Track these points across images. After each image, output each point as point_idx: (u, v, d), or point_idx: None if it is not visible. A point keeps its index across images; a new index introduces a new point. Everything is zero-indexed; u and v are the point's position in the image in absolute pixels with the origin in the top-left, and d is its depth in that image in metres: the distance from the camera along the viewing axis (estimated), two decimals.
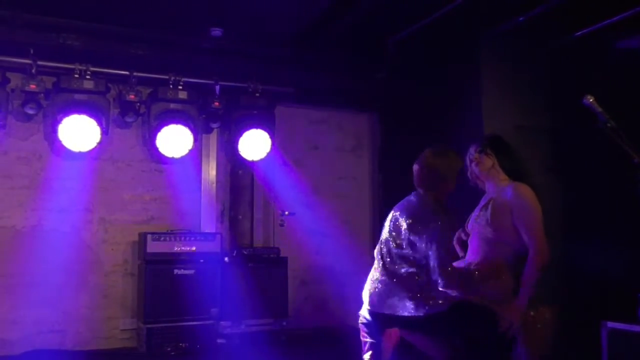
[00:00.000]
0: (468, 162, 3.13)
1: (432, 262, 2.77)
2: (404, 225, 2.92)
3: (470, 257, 3.08)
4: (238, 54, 5.03)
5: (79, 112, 4.54)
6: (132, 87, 4.79)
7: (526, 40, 4.57)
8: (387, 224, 3.07)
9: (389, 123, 5.78)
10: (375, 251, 3.10)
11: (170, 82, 4.88)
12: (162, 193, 5.17)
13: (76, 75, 4.60)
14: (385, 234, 3.05)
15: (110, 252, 4.96)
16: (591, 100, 2.73)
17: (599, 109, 2.72)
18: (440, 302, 2.78)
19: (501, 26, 4.41)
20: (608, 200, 4.29)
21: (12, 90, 4.58)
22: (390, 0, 4.26)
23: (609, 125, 2.71)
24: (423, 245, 2.82)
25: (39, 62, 4.46)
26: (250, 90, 5.11)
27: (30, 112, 4.55)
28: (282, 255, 5.18)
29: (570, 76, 4.53)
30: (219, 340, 4.76)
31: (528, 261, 2.84)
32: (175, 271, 4.71)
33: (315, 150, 5.81)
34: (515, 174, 3.03)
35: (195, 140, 4.96)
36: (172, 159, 4.95)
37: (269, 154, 5.17)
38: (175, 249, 4.75)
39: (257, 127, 5.08)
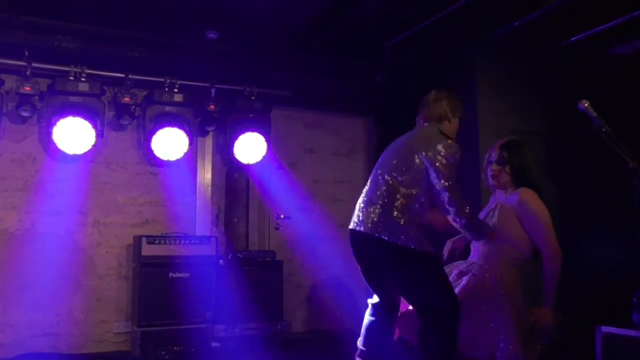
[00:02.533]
0: (486, 164, 3.19)
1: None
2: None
3: (473, 258, 3.13)
4: (234, 57, 5.04)
5: (74, 114, 4.52)
6: (128, 90, 4.78)
7: (521, 45, 4.60)
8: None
9: (385, 126, 5.79)
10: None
11: (166, 85, 4.88)
12: (157, 196, 5.15)
13: (71, 78, 4.59)
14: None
15: (105, 255, 4.93)
16: (586, 105, 2.75)
17: (594, 114, 2.74)
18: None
19: (496, 31, 4.43)
20: (603, 204, 4.30)
21: (7, 92, 4.56)
22: (385, 4, 4.27)
23: (603, 130, 2.72)
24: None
25: (34, 64, 4.45)
26: (245, 93, 5.11)
27: (25, 114, 4.53)
28: (277, 258, 5.17)
29: (565, 81, 4.56)
30: (213, 344, 4.74)
31: (544, 266, 2.94)
32: (170, 274, 4.69)
33: (310, 153, 5.81)
34: (520, 179, 3.09)
35: (191, 143, 4.95)
36: (168, 161, 4.95)
37: (264, 157, 5.17)
38: (170, 252, 4.73)
39: (252, 130, 5.08)
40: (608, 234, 4.20)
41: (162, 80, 4.87)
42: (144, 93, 5.00)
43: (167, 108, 4.94)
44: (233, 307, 4.83)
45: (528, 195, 3.00)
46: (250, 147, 5.11)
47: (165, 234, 4.89)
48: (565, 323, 3.08)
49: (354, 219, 3.14)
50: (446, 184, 2.92)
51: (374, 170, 3.20)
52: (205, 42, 4.87)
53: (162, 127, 4.81)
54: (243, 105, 5.13)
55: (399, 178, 3.01)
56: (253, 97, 5.13)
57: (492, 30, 4.43)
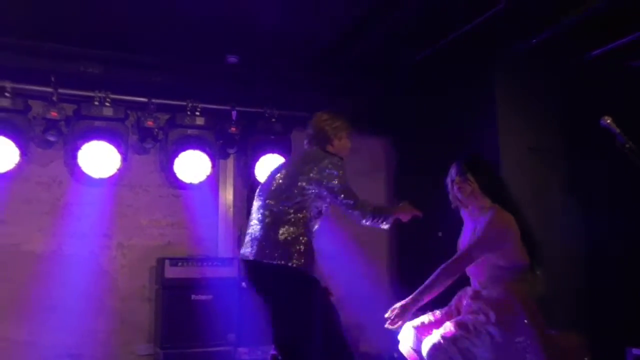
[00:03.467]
0: (450, 183, 3.18)
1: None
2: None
3: (474, 281, 3.09)
4: (254, 79, 5.10)
5: (99, 138, 4.62)
6: (151, 114, 4.87)
7: (541, 60, 4.57)
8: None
9: (405, 145, 5.78)
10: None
11: (188, 109, 4.96)
12: (180, 218, 5.20)
13: (96, 103, 4.70)
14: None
15: (128, 277, 4.98)
16: (609, 121, 2.71)
17: (617, 130, 2.69)
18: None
19: (515, 47, 4.42)
20: (629, 222, 4.21)
21: (34, 118, 4.68)
22: (404, 23, 4.29)
23: (627, 146, 2.67)
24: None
25: (60, 90, 4.57)
26: (266, 115, 5.16)
27: (52, 139, 4.65)
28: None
29: (586, 96, 4.50)
30: None
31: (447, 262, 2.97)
32: (193, 296, 4.70)
33: None
34: (496, 196, 3.04)
35: (213, 165, 5.00)
36: (190, 184, 5.00)
37: None
38: (193, 274, 4.75)
39: (273, 152, 5.12)
40: (636, 253, 4.11)
41: (184, 104, 4.95)
42: (167, 117, 5.09)
43: (189, 131, 5.02)
44: (256, 330, 4.80)
45: (497, 216, 2.96)
46: (271, 169, 5.12)
47: (188, 256, 4.92)
48: (595, 344, 3.00)
49: (242, 248, 3.18)
50: (341, 196, 3.08)
51: (255, 197, 3.28)
52: (226, 66, 4.94)
53: (184, 149, 4.88)
54: (264, 127, 5.18)
55: (282, 204, 3.05)
56: (273, 119, 5.18)
57: (511, 46, 4.42)
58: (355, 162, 5.96)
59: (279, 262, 2.93)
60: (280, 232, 2.98)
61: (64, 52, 4.55)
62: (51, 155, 4.87)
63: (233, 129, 5.05)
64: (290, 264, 2.93)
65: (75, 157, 4.60)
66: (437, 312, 3.15)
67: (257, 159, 5.11)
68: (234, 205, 5.41)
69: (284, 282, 2.97)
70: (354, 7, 4.18)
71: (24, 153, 4.53)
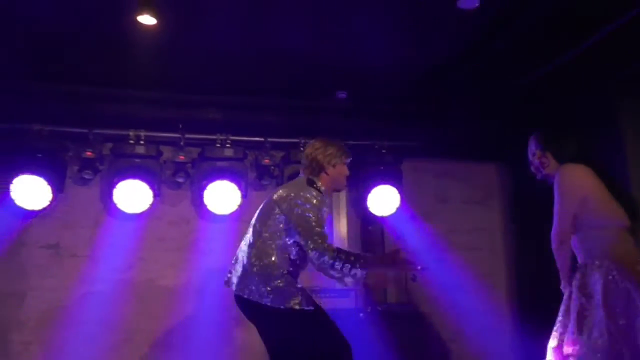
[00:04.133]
0: (530, 157, 3.25)
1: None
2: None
3: (579, 256, 3.04)
4: (363, 113, 5.22)
5: (221, 178, 4.93)
6: (267, 152, 5.13)
7: None
8: None
9: (520, 171, 5.59)
10: None
11: (301, 145, 5.15)
12: None
13: (218, 145, 5.03)
14: None
15: None
16: None
17: None
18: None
19: (636, 66, 4.18)
20: None
21: (164, 162, 5.10)
22: (513, 46, 4.23)
23: None
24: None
25: (187, 135, 4.96)
26: (376, 147, 5.25)
27: (180, 180, 5.04)
28: (417, 311, 5.11)
29: None
30: None
31: None
32: None
33: (444, 203, 5.77)
34: (566, 159, 3.07)
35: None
36: None
37: (398, 209, 5.21)
38: None
39: (385, 183, 5.18)
40: None
41: (297, 140, 5.16)
42: (281, 154, 5.32)
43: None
44: None
45: (563, 170, 3.00)
46: (383, 200, 5.19)
47: (307, 287, 5.03)
48: None
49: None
50: (305, 233, 2.88)
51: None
52: (335, 102, 5.11)
53: None
54: (374, 159, 5.26)
55: (265, 232, 2.97)
56: (384, 150, 5.25)
57: (632, 65, 4.19)
58: (466, 190, 5.91)
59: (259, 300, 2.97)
60: (264, 262, 2.97)
61: (189, 101, 4.95)
62: (180, 195, 5.26)
63: None
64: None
65: (201, 197, 4.93)
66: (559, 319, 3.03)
67: (369, 191, 5.19)
68: (348, 237, 5.50)
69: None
70: (457, 38, 4.20)
71: (156, 194, 4.94)
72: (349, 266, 2.90)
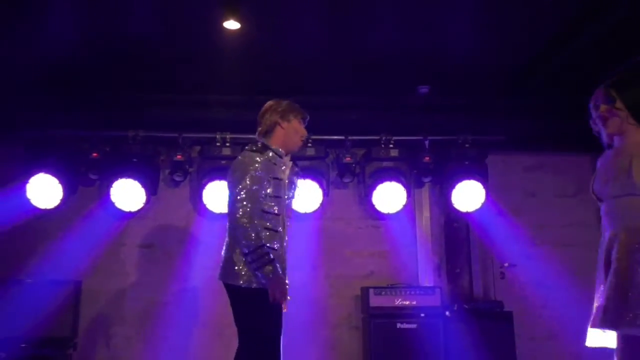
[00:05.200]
0: (593, 111, 2.54)
1: None
2: None
3: (609, 229, 2.49)
4: (445, 107, 5.11)
5: (304, 177, 4.99)
6: (348, 150, 5.15)
7: None
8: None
9: None
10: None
11: (382, 142, 5.14)
12: (380, 248, 5.36)
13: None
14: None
15: (336, 307, 5.25)
16: None
17: None
18: None
19: None
20: None
21: None
22: (600, 36, 3.99)
23: None
24: None
25: None
26: (459, 142, 5.13)
27: None
28: (505, 309, 4.94)
29: None
30: None
31: None
32: (398, 325, 4.78)
33: (532, 197, 5.54)
34: None
35: (408, 195, 5.10)
36: (388, 214, 5.15)
37: (483, 205, 5.07)
38: (397, 302, 4.84)
39: (469, 178, 5.05)
40: None
41: (378, 137, 5.14)
42: (362, 152, 5.32)
43: (384, 163, 5.19)
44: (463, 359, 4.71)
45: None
46: (468, 196, 5.07)
47: (390, 285, 5.03)
48: None
49: None
50: (233, 211, 2.96)
51: None
52: (417, 97, 5.04)
53: (381, 182, 5.06)
54: (457, 154, 5.14)
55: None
56: (467, 145, 5.12)
57: None
58: (557, 183, 5.63)
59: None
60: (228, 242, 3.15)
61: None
62: None
63: (427, 158, 5.11)
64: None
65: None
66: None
67: (452, 187, 5.08)
68: (432, 234, 5.42)
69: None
70: (544, 29, 4.03)
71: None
72: (264, 262, 2.98)
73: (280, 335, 3.06)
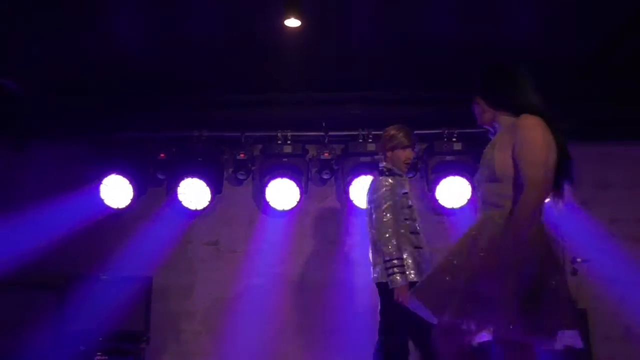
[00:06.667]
0: None
1: None
2: None
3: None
4: None
5: (365, 173, 4.98)
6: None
7: None
8: None
9: None
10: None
11: (445, 136, 5.05)
12: (446, 244, 5.24)
13: (360, 140, 5.09)
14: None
15: None
16: None
17: None
18: None
19: None
20: None
21: (310, 160, 5.28)
22: None
23: None
24: None
25: (330, 133, 5.09)
26: None
27: (325, 177, 5.20)
28: (579, 307, 4.73)
29: None
30: None
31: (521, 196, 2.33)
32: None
33: (605, 189, 5.28)
34: (517, 108, 2.50)
35: (473, 188, 4.98)
36: (452, 209, 5.06)
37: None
38: None
39: None
40: None
41: (441, 131, 5.06)
42: (424, 146, 5.24)
43: (448, 157, 5.10)
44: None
45: (525, 119, 2.43)
46: None
47: None
48: None
49: None
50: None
51: None
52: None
53: (445, 176, 4.98)
54: None
55: None
56: None
57: None
58: (630, 174, 5.33)
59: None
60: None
61: (330, 99, 5.09)
62: (326, 191, 5.42)
63: None
64: None
65: (347, 192, 5.03)
66: None
67: None
68: None
69: None
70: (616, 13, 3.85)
71: (304, 191, 5.13)
72: (396, 272, 3.47)
73: None
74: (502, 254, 2.28)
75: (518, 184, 2.40)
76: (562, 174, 2.54)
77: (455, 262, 2.43)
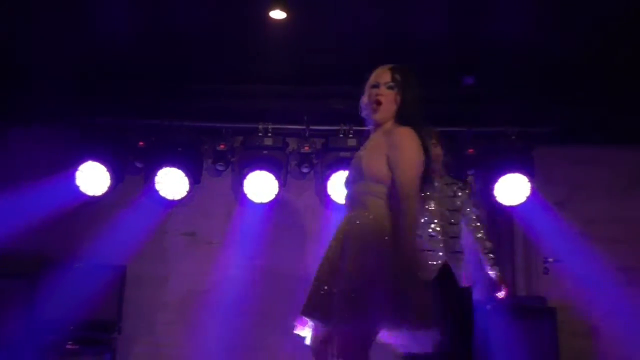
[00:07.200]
0: (369, 87, 2.65)
1: None
2: None
3: None
4: (491, 99, 5.02)
5: (345, 168, 4.95)
6: None
7: None
8: None
9: None
10: None
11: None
12: None
13: (341, 135, 5.10)
14: None
15: None
16: None
17: None
18: None
19: None
20: None
21: (290, 153, 5.27)
22: None
23: None
24: None
25: (311, 127, 5.08)
26: (505, 134, 5.03)
27: (305, 170, 5.19)
28: (548, 305, 4.84)
29: None
30: None
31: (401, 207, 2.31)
32: None
33: (579, 191, 5.38)
34: (404, 117, 2.47)
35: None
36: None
37: (528, 198, 4.96)
38: None
39: (514, 171, 4.94)
40: None
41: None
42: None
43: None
44: (503, 355, 4.63)
45: (403, 130, 2.41)
46: (512, 189, 4.97)
47: None
48: None
49: None
50: None
51: None
52: (462, 88, 4.97)
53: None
54: (503, 146, 5.04)
55: None
56: (513, 137, 5.01)
57: None
58: (607, 178, 5.43)
59: None
60: None
61: (314, 93, 5.07)
62: (305, 185, 5.41)
63: (470, 150, 5.02)
64: None
65: (325, 186, 5.04)
66: None
67: (496, 179, 4.97)
68: None
69: None
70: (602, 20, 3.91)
71: (282, 184, 5.12)
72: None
73: None
74: (369, 254, 2.27)
75: (388, 187, 2.39)
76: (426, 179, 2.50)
77: (328, 267, 2.42)
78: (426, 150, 2.45)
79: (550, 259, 5.11)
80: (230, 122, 5.11)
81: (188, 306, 5.20)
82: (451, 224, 3.72)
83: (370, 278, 2.23)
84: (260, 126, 5.07)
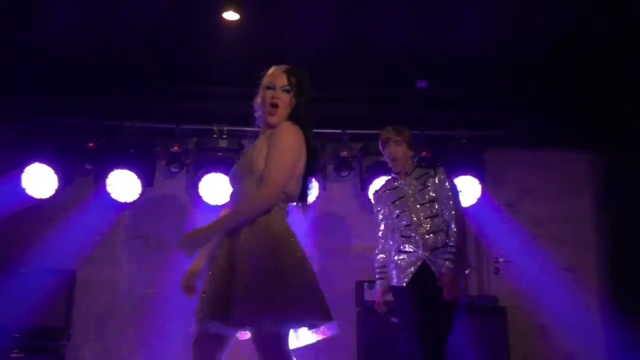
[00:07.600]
0: (264, 90, 2.62)
1: None
2: None
3: None
4: (443, 103, 5.12)
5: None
6: (345, 144, 5.14)
7: None
8: None
9: (616, 161, 5.27)
10: None
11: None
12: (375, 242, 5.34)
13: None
14: None
15: (334, 300, 5.21)
16: None
17: None
18: None
19: None
20: None
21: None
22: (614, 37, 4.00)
23: None
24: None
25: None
26: (456, 137, 5.13)
27: None
28: (499, 304, 4.96)
29: None
30: None
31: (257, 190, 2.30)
32: (393, 319, 4.78)
33: (529, 194, 5.54)
34: (295, 117, 2.45)
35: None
36: None
37: (479, 200, 5.08)
38: (390, 297, 4.83)
39: (465, 174, 5.05)
40: None
41: (376, 132, 5.11)
42: (360, 145, 5.31)
43: (382, 158, 5.17)
44: (456, 355, 4.71)
45: (286, 125, 2.38)
46: (464, 191, 5.06)
47: None
48: None
49: None
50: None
51: None
52: (415, 92, 5.04)
53: (377, 176, 5.04)
54: (454, 149, 5.14)
55: None
56: (464, 141, 5.12)
57: None
58: (553, 180, 5.61)
59: None
60: None
61: None
62: None
63: (424, 153, 5.10)
64: None
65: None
66: None
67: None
68: None
69: None
70: (554, 27, 4.03)
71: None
72: None
73: None
74: (261, 253, 2.25)
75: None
76: (308, 178, 2.51)
77: (224, 266, 2.36)
78: (312, 150, 2.44)
79: (501, 259, 5.23)
80: (184, 124, 5.04)
81: (140, 311, 5.10)
82: (429, 217, 3.56)
83: (266, 276, 2.21)
84: (215, 127, 5.02)
